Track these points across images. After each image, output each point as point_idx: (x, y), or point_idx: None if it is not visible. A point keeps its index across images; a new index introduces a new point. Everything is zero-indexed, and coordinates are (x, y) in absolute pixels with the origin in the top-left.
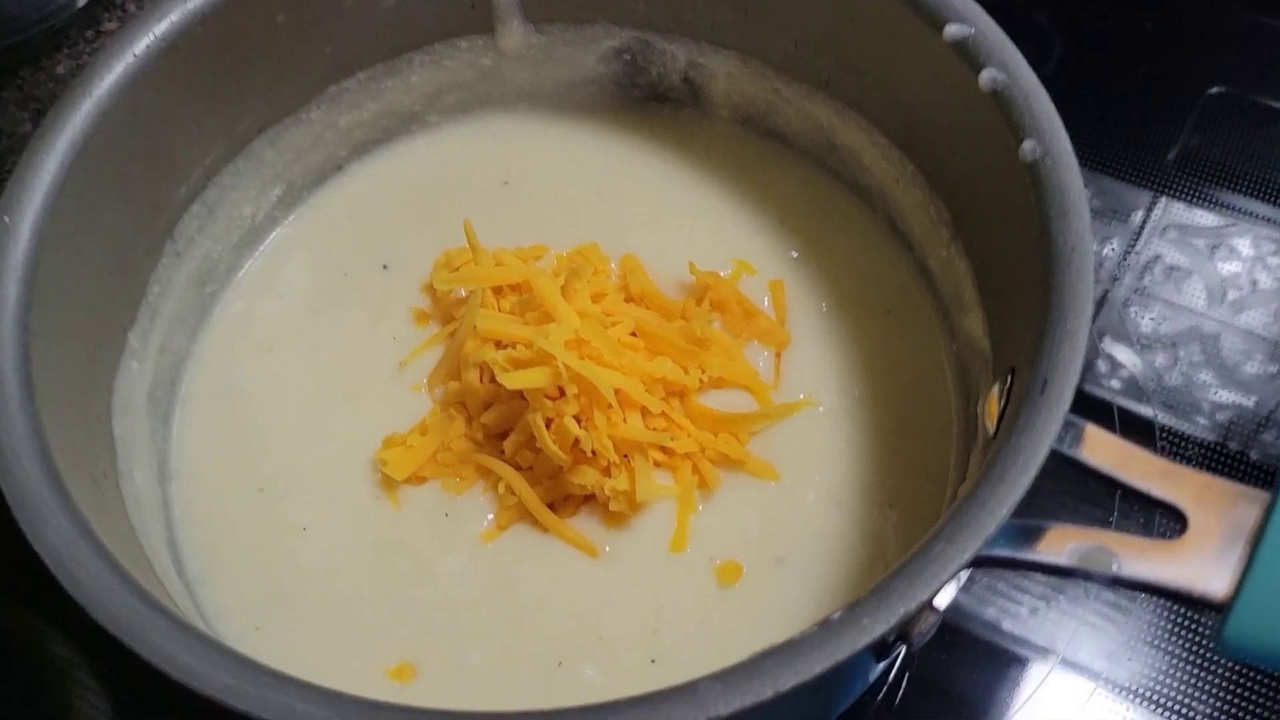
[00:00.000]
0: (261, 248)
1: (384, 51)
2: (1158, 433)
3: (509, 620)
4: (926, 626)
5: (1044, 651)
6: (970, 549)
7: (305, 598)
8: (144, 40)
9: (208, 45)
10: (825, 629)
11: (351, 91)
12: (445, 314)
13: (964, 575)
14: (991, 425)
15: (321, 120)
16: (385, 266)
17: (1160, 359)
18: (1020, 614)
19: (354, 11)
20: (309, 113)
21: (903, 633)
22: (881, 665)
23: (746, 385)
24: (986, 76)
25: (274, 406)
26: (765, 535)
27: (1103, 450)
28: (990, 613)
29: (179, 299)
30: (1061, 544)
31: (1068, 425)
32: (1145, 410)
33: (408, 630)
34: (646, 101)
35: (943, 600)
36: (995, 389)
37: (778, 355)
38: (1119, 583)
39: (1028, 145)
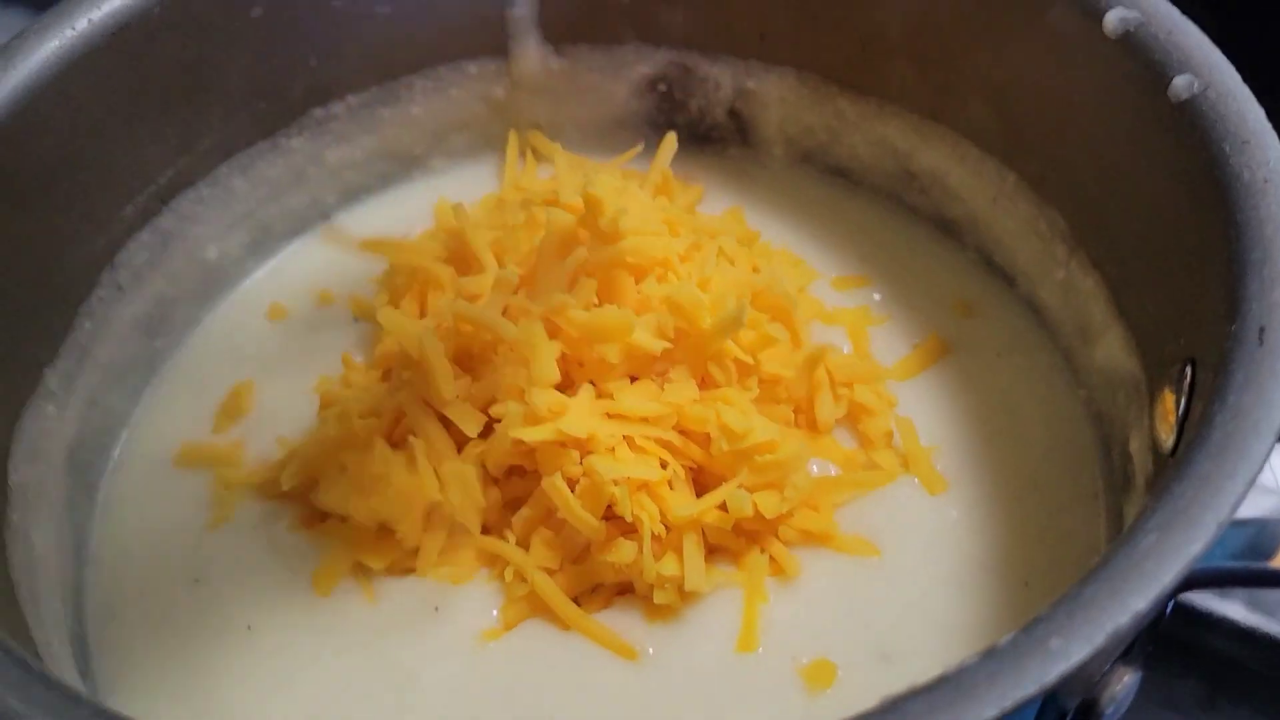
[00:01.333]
0: (226, 301)
1: (378, 71)
2: None
3: None
4: (1121, 691)
5: None
6: (1199, 539)
7: (248, 714)
8: (87, 14)
9: (166, 32)
10: (993, 657)
11: (340, 119)
12: None
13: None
14: (1169, 435)
15: (304, 151)
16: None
17: None
18: None
19: (342, 14)
20: (289, 138)
21: (1089, 696)
22: None
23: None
24: (1114, 18)
25: None
26: (864, 626)
27: None
28: None
29: (119, 345)
30: None
31: None
32: None
33: None
34: (685, 143)
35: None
36: (1165, 395)
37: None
38: None
39: (1180, 81)
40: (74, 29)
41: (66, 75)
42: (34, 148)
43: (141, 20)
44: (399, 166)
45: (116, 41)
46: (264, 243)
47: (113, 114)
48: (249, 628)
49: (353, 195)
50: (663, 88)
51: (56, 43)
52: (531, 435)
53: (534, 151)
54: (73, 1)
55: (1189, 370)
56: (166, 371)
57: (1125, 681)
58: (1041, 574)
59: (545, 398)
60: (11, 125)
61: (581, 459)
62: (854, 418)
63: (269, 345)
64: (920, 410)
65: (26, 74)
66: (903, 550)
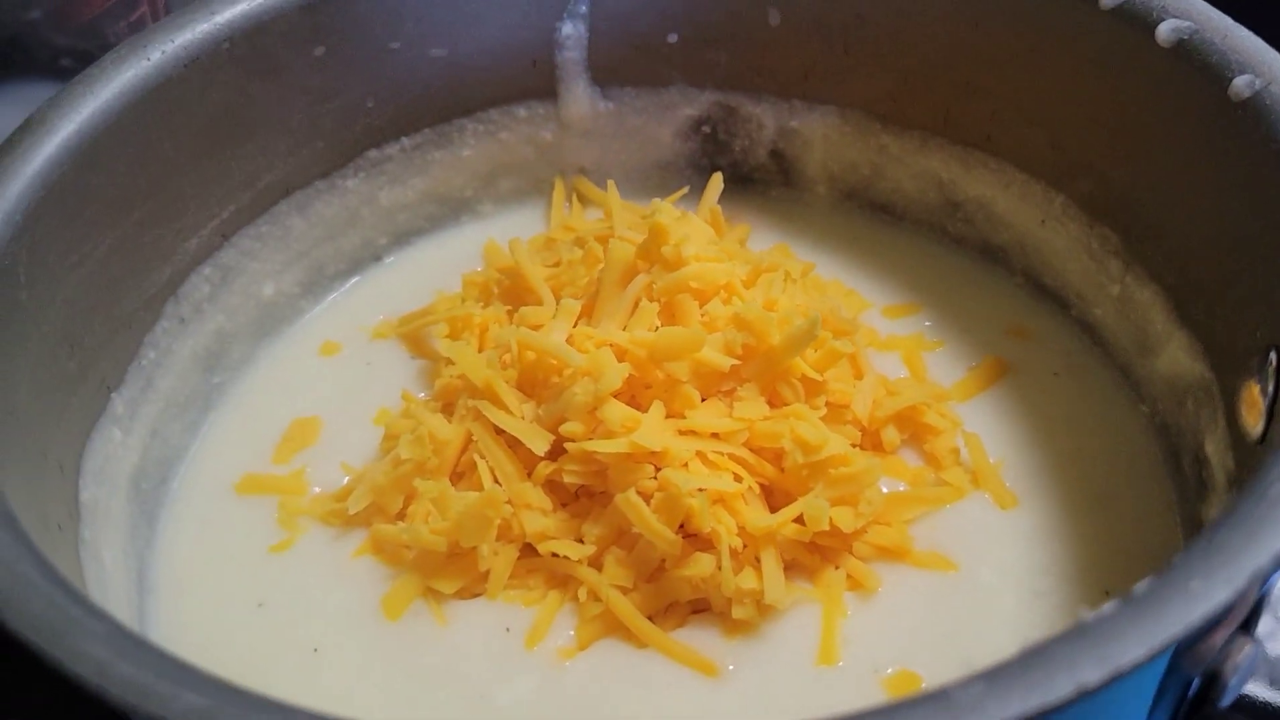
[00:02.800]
0: (282, 338)
1: (433, 114)
2: None
3: None
4: (1243, 660)
5: None
6: None
7: None
8: (161, 46)
9: (234, 68)
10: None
11: (394, 160)
12: None
13: None
14: (1258, 422)
15: (359, 192)
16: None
17: None
18: None
19: (400, 56)
20: (345, 179)
21: (1213, 666)
22: None
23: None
24: (1166, 29)
25: None
26: (945, 637)
27: None
28: None
29: (180, 378)
30: None
31: None
32: None
33: None
34: (729, 184)
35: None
36: (1248, 387)
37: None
38: None
39: (1241, 81)
40: (149, 59)
41: (142, 104)
42: (111, 171)
43: (212, 54)
44: (448, 209)
45: (188, 73)
46: (318, 282)
47: (182, 145)
48: (315, 650)
49: (403, 237)
50: (706, 129)
51: (132, 72)
52: (606, 448)
53: (579, 196)
54: (147, 33)
55: (1273, 357)
56: (224, 407)
57: (1246, 652)
58: (1122, 582)
59: (617, 411)
60: (93, 148)
61: (656, 474)
62: (919, 438)
63: (324, 382)
64: (983, 430)
65: (107, 99)
66: (978, 563)
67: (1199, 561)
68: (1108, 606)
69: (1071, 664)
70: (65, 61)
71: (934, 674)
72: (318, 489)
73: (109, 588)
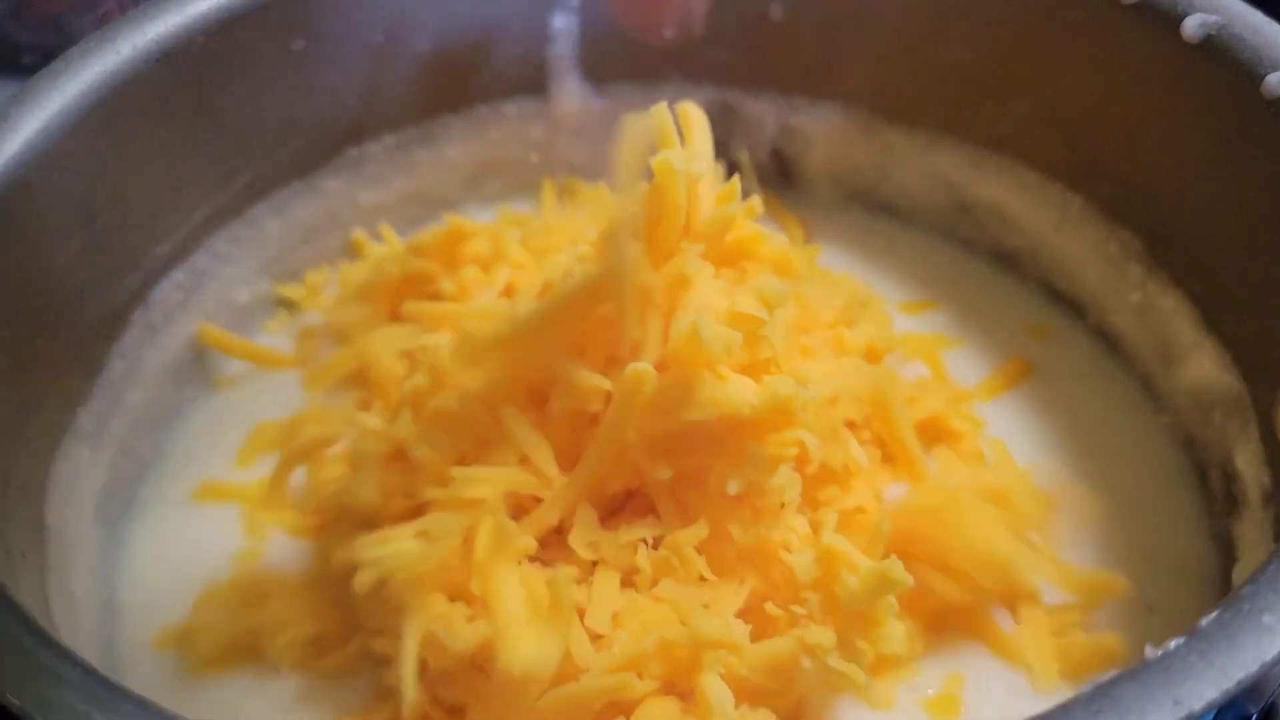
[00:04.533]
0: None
1: (416, 111)
2: None
3: None
4: None
5: None
6: None
7: None
8: (131, 39)
9: (209, 63)
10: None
11: (376, 160)
12: None
13: None
14: None
15: (338, 194)
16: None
17: None
18: None
19: (384, 50)
20: (324, 180)
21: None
22: None
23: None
24: (1193, 24)
25: None
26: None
27: None
28: None
29: (150, 390)
30: None
31: None
32: None
33: None
34: None
35: None
36: None
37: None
38: None
39: (1274, 79)
40: (118, 53)
41: (110, 100)
42: (76, 174)
43: (185, 47)
44: (432, 211)
45: (160, 68)
46: (292, 285)
47: (153, 144)
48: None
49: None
50: None
51: (100, 67)
52: None
53: (570, 195)
54: (117, 25)
55: None
56: (195, 416)
57: None
58: (1165, 599)
59: None
60: (55, 149)
61: None
62: (942, 442)
63: (296, 389)
64: (1007, 431)
65: (74, 95)
66: None
67: (1270, 593)
68: (1174, 643)
69: (1142, 710)
70: (28, 59)
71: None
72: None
73: (77, 616)
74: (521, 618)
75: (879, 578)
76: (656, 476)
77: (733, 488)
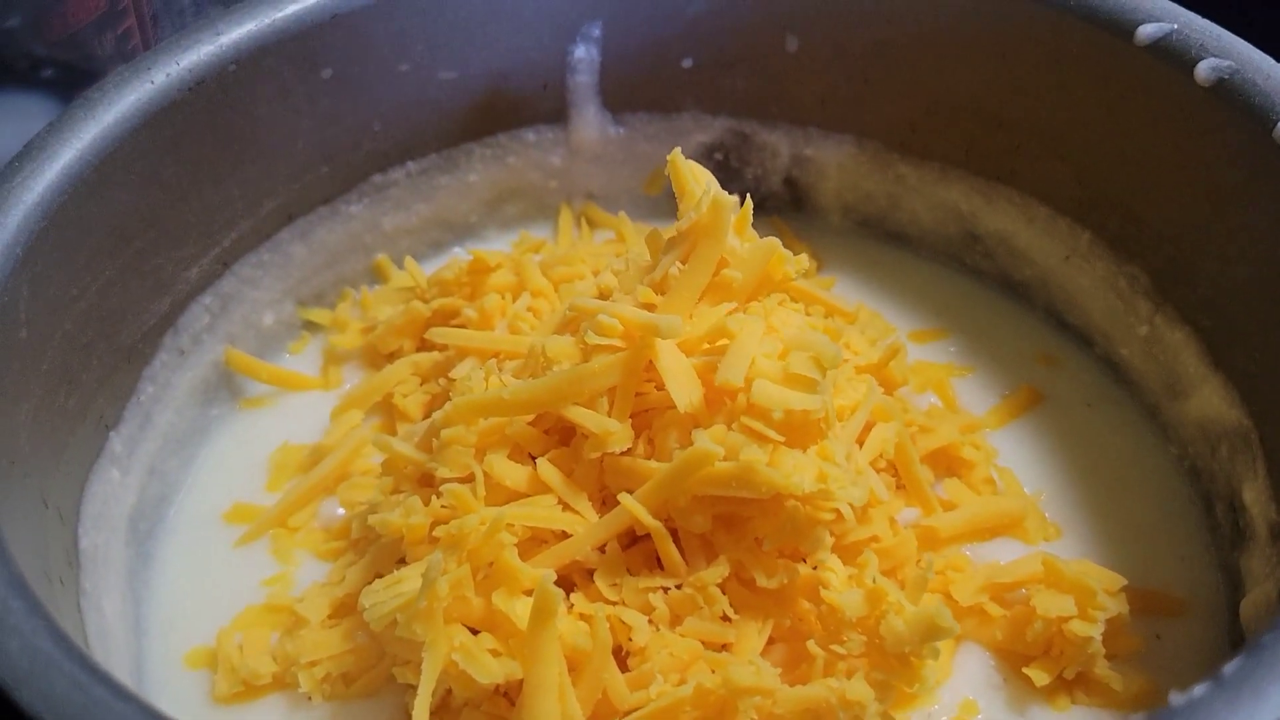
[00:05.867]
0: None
1: (440, 138)
2: None
3: None
4: None
5: None
6: None
7: None
8: (165, 68)
9: (239, 90)
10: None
11: (399, 185)
12: None
13: None
14: None
15: (362, 218)
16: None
17: None
18: None
19: (409, 79)
20: (349, 204)
21: None
22: None
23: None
24: (1206, 68)
25: None
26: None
27: None
28: None
29: (178, 412)
30: None
31: None
32: None
33: None
34: None
35: None
36: None
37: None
38: None
39: None
40: (152, 83)
41: (145, 128)
42: (112, 200)
43: (217, 77)
44: (452, 234)
45: (193, 97)
46: (318, 310)
47: (185, 171)
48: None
49: (403, 263)
50: (719, 155)
51: (135, 96)
52: None
53: (588, 220)
54: (151, 54)
55: None
56: (221, 437)
57: None
58: (1169, 629)
59: None
60: (93, 176)
61: None
62: (954, 471)
63: (320, 412)
64: (1016, 459)
65: (109, 123)
66: None
67: None
68: (1198, 689)
69: None
70: (47, 72)
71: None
72: (315, 523)
73: (110, 639)
74: (554, 682)
75: (927, 624)
76: (693, 528)
77: (769, 545)
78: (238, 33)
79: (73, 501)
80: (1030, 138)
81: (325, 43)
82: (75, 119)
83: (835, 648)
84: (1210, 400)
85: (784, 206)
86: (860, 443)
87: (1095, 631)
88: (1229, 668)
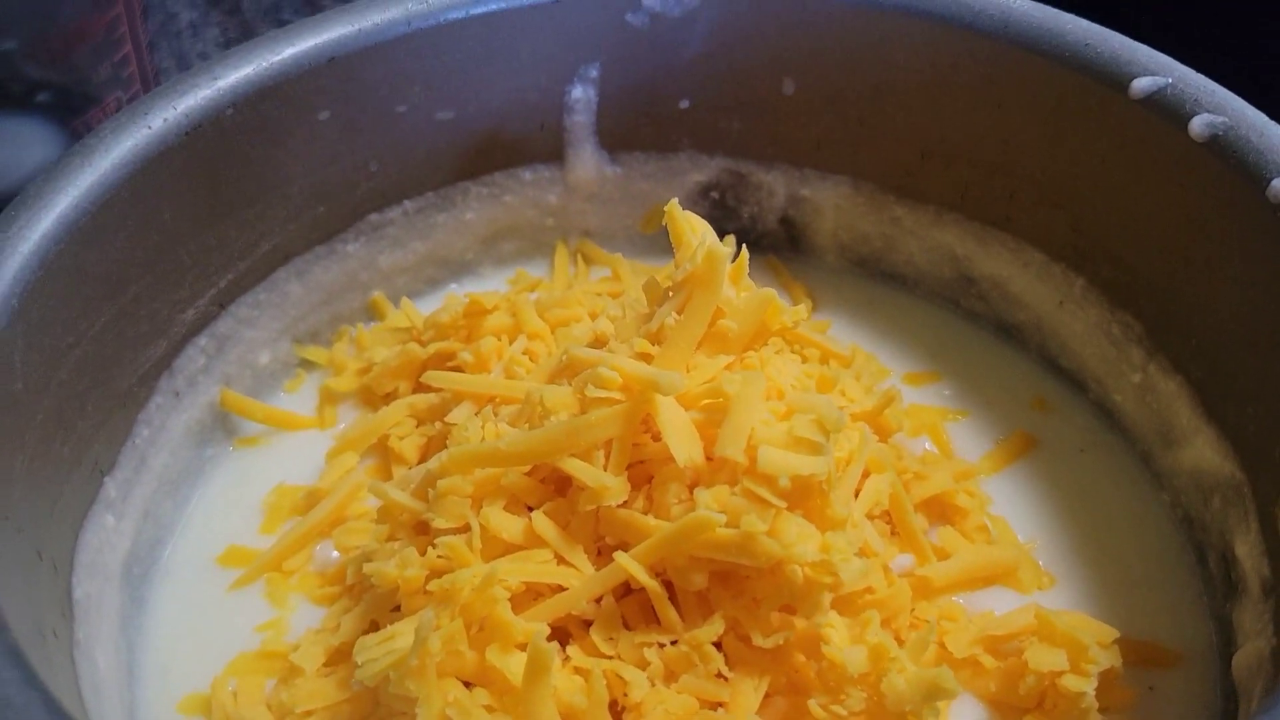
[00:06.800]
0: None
1: (437, 177)
2: None
3: None
4: None
5: None
6: None
7: None
8: (162, 113)
9: (237, 134)
10: None
11: (396, 224)
12: None
13: None
14: None
15: (359, 257)
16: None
17: None
18: None
19: (407, 119)
20: (345, 244)
21: None
22: None
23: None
24: (1200, 124)
25: None
26: None
27: None
28: None
29: (173, 454)
30: None
31: None
32: None
33: None
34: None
35: None
36: None
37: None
38: None
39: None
40: (149, 128)
41: (141, 174)
42: (108, 246)
43: (214, 121)
44: (448, 272)
45: (190, 141)
46: (315, 349)
47: (182, 214)
48: None
49: (400, 300)
50: (715, 195)
51: (132, 141)
52: None
53: (584, 257)
54: (148, 99)
55: None
56: (214, 478)
57: None
58: (1163, 679)
59: None
60: (89, 223)
61: None
62: (948, 519)
63: (316, 452)
64: (1010, 507)
65: (105, 170)
66: None
67: None
68: None
69: None
70: (43, 96)
71: None
72: (311, 566)
73: (103, 689)
74: None
75: (929, 685)
76: (690, 586)
77: (767, 608)
78: (235, 76)
79: (67, 551)
80: (1025, 185)
81: (322, 85)
82: (71, 166)
83: (835, 708)
84: (1203, 451)
85: (780, 245)
86: (856, 492)
87: (1088, 686)
88: None
